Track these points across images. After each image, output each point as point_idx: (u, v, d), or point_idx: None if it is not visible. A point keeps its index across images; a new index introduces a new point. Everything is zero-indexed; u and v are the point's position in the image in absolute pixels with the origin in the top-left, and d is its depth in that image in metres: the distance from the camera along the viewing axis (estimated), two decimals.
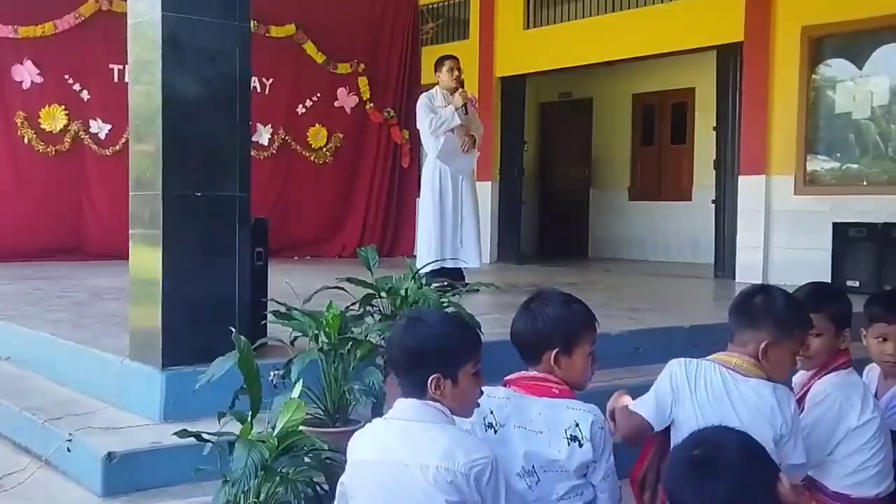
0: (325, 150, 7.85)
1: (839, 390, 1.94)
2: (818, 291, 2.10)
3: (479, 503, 1.43)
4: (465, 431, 1.58)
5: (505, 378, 1.79)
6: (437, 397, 1.51)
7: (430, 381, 1.50)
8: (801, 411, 2.01)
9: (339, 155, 7.92)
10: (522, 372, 1.76)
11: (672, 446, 1.83)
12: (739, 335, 1.84)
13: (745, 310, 1.85)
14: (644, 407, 1.86)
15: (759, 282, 5.76)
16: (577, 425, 1.65)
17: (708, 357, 1.87)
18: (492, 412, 1.72)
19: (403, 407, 1.53)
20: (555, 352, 1.72)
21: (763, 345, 1.79)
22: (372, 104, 8.03)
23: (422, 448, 1.44)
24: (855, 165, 5.72)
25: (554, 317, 1.74)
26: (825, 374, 2.00)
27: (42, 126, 6.68)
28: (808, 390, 2.03)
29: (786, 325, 1.81)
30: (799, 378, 2.09)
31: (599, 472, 1.69)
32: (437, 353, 1.52)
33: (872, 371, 2.23)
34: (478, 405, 1.62)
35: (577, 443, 1.65)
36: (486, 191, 7.39)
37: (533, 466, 1.67)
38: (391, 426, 1.52)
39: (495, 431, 1.71)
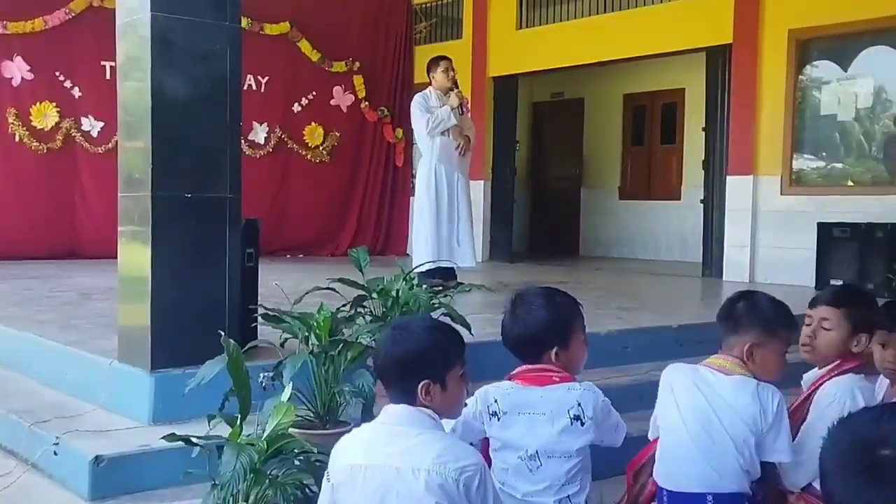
0: (321, 148, 7.85)
1: (847, 393, 1.95)
2: (844, 290, 2.15)
3: None
4: (456, 438, 1.60)
5: (508, 374, 1.85)
6: (427, 403, 1.52)
7: (420, 387, 1.51)
8: (808, 408, 2.02)
9: (336, 153, 7.92)
10: (524, 366, 1.82)
11: (661, 447, 1.87)
12: (727, 340, 1.89)
13: (729, 316, 1.89)
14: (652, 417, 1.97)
15: (746, 280, 5.83)
16: (579, 405, 1.72)
17: (700, 363, 1.91)
18: (496, 401, 1.78)
19: (393, 413, 1.54)
20: (554, 350, 1.77)
21: (747, 346, 1.83)
22: (367, 102, 8.02)
23: (413, 453, 1.46)
24: (839, 165, 5.79)
25: (544, 318, 1.78)
26: (836, 376, 2.01)
27: (33, 123, 6.63)
28: (815, 388, 2.04)
29: (769, 326, 1.85)
30: (810, 376, 2.10)
31: (611, 435, 1.83)
32: (425, 361, 1.53)
33: (884, 379, 2.26)
34: (465, 405, 1.65)
35: (579, 422, 1.71)
36: (479, 190, 7.41)
37: (537, 451, 1.72)
38: (382, 431, 1.53)
39: (499, 419, 1.78)
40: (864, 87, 5.60)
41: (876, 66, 5.51)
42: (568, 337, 1.78)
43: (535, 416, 1.72)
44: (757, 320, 1.84)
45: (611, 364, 3.08)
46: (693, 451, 1.81)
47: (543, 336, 1.76)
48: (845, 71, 5.64)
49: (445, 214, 4.95)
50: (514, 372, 1.82)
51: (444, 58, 5.12)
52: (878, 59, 5.48)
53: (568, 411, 1.71)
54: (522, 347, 1.80)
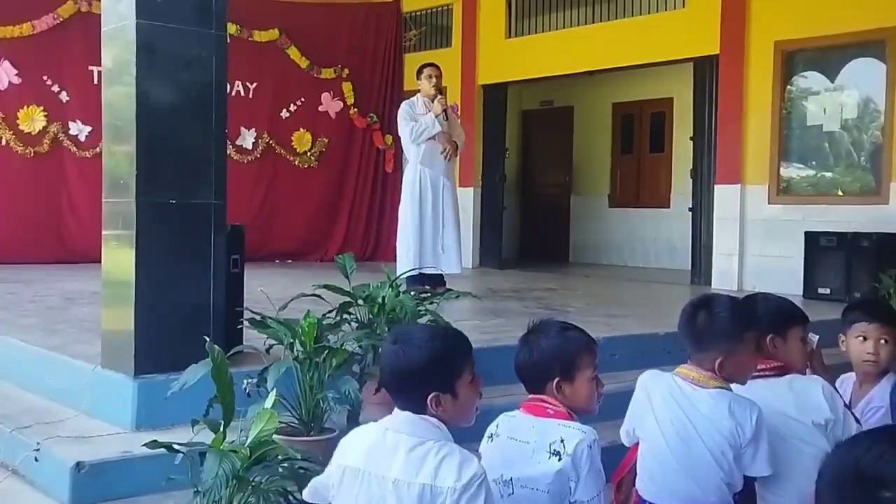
0: (309, 154, 7.84)
1: None
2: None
3: None
4: (457, 447, 1.52)
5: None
6: (438, 413, 1.49)
7: (429, 400, 1.48)
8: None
9: (324, 159, 7.92)
10: (530, 395, 1.80)
11: (641, 458, 1.87)
12: (695, 355, 1.87)
13: (691, 331, 1.87)
14: (625, 426, 1.96)
15: (735, 288, 5.86)
16: (562, 441, 1.66)
17: (674, 370, 1.90)
18: (497, 425, 1.78)
19: (397, 419, 1.51)
20: (555, 381, 1.73)
21: (717, 362, 1.82)
22: (356, 109, 8.03)
23: (410, 465, 1.43)
24: (828, 174, 5.84)
25: (550, 347, 1.75)
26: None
27: (20, 127, 6.61)
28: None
29: (734, 336, 1.83)
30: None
31: (583, 495, 1.64)
32: (431, 373, 1.49)
33: (846, 381, 2.28)
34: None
35: (556, 456, 1.65)
36: (468, 197, 7.42)
37: (511, 478, 1.69)
38: (384, 437, 1.49)
39: (492, 441, 1.77)
40: (851, 97, 5.66)
41: (862, 77, 5.57)
42: (572, 371, 1.73)
43: (520, 443, 1.70)
44: (719, 336, 1.82)
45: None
46: (673, 465, 1.80)
47: (546, 365, 1.73)
48: (832, 82, 5.71)
49: (430, 220, 4.95)
50: (524, 401, 1.81)
51: (430, 64, 5.15)
52: (864, 71, 5.55)
53: (550, 445, 1.65)
54: (526, 375, 1.78)
